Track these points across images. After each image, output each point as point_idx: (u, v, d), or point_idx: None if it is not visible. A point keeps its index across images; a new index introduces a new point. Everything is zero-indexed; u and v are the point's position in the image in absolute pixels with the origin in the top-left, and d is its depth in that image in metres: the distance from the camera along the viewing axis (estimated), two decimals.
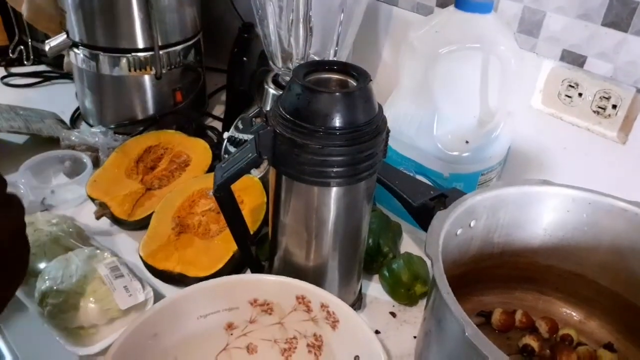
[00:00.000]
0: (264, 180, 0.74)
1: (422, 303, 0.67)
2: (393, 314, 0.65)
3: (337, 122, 0.45)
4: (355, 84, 0.47)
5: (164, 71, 0.88)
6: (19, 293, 0.63)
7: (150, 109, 0.91)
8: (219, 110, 1.07)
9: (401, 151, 0.71)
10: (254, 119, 0.47)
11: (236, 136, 0.78)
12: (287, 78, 0.72)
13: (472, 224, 0.57)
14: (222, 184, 0.50)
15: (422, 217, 0.58)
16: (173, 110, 0.92)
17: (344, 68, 0.48)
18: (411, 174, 0.70)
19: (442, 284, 0.45)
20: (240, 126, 0.78)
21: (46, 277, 0.59)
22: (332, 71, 0.48)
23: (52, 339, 0.58)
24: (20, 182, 0.78)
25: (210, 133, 0.97)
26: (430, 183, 0.69)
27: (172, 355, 0.52)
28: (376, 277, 0.69)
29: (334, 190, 0.49)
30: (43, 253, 0.64)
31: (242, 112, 0.81)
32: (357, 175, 0.48)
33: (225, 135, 0.81)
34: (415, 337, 0.63)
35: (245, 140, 0.77)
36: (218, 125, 0.99)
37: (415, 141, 0.68)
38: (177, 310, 0.51)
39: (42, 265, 0.64)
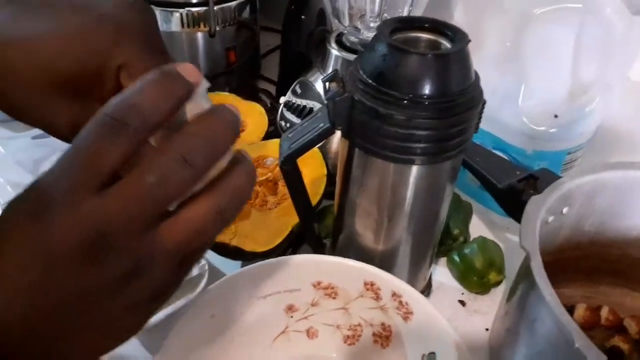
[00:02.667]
0: (323, 150, 0.68)
1: (495, 292, 0.61)
2: (462, 303, 0.60)
3: (428, 89, 0.39)
4: (449, 45, 0.40)
5: (217, 28, 0.82)
6: None
7: (203, 69, 0.86)
8: (271, 73, 1.01)
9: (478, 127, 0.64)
10: (327, 83, 0.41)
11: (293, 101, 0.73)
12: (353, 39, 0.66)
13: (564, 211, 0.51)
14: (289, 156, 0.45)
15: (508, 200, 0.52)
16: (226, 70, 0.87)
17: (436, 26, 0.41)
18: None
19: (543, 284, 0.39)
20: (299, 91, 0.73)
21: None
22: (421, 30, 0.42)
23: None
24: None
25: (263, 97, 0.92)
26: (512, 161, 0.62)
27: (229, 337, 0.48)
28: (444, 261, 0.64)
29: (416, 169, 0.43)
30: None
31: (298, 75, 0.75)
32: (444, 153, 0.42)
33: (282, 100, 0.75)
34: (487, 329, 0.57)
35: (304, 107, 0.71)
36: (271, 88, 0.94)
37: (497, 113, 0.61)
38: (235, 290, 0.47)
39: None
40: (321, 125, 0.43)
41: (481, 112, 0.42)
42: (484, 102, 0.42)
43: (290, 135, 0.46)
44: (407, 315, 0.47)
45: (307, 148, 0.44)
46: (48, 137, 0.32)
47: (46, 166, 0.24)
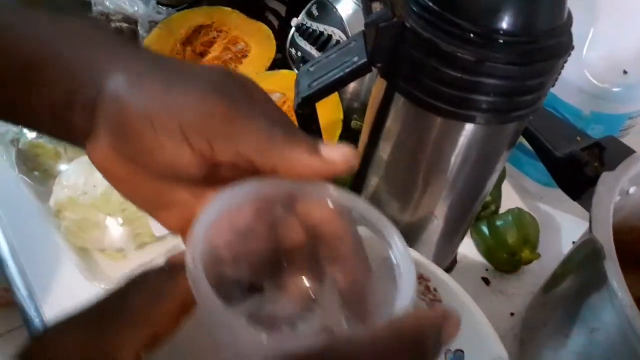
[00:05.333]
0: (340, 91, 0.58)
1: (524, 270, 0.53)
2: (486, 281, 0.52)
3: (507, 23, 0.28)
4: None
5: None
6: (31, 196, 0.51)
7: None
8: None
9: None
10: (370, 2, 0.31)
11: (308, 25, 0.61)
12: None
13: (631, 191, 0.42)
14: (309, 98, 0.35)
15: (566, 173, 0.43)
16: None
17: None
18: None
19: (621, 291, 0.31)
20: (315, 12, 0.61)
21: (64, 184, 0.47)
22: None
23: (68, 263, 0.47)
24: None
25: (270, 18, 0.79)
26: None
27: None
28: (468, 230, 0.55)
29: (472, 129, 0.33)
30: (63, 150, 0.51)
31: None
32: (513, 112, 0.32)
33: (294, 22, 0.63)
34: (513, 314, 0.50)
35: (321, 33, 0.60)
36: (281, 9, 0.81)
37: None
38: None
39: (61, 166, 0.51)
40: (355, 59, 0.33)
41: (564, 64, 0.32)
42: (572, 49, 0.32)
43: (311, 70, 0.36)
44: (432, 303, 0.39)
45: (332, 88, 0.34)
46: None
47: None
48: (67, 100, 0.23)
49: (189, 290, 0.20)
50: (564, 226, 0.58)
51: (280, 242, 0.25)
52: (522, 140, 0.59)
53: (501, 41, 0.29)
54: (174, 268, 0.22)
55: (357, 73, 0.33)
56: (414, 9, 0.30)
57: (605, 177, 0.37)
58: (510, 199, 0.58)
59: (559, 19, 0.30)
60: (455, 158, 0.36)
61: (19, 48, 0.23)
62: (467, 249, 0.54)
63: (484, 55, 0.29)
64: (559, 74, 0.33)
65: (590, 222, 0.34)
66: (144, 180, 0.23)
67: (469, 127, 0.33)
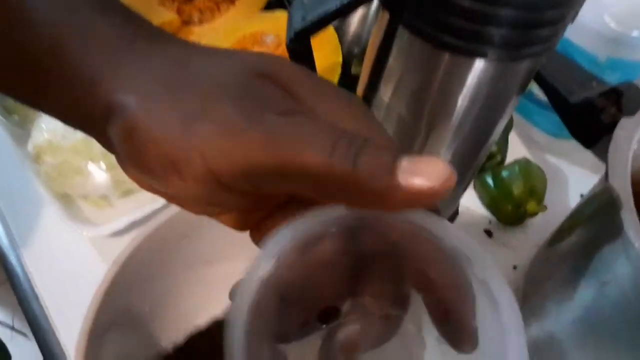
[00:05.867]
0: (339, 31, 0.54)
1: (528, 223, 0.51)
2: (488, 233, 0.50)
3: None
4: None
5: None
6: (11, 141, 0.48)
7: None
8: None
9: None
10: None
11: None
12: None
13: None
14: (302, 31, 0.31)
15: (580, 120, 0.40)
16: None
17: None
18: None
19: (636, 238, 0.29)
20: None
21: (44, 127, 0.44)
22: None
23: (49, 211, 0.45)
24: None
25: None
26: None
27: (206, 260, 0.38)
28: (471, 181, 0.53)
29: (482, 66, 0.30)
30: None
31: None
32: (529, 47, 0.29)
33: None
34: (516, 267, 0.48)
35: None
36: None
37: None
38: None
39: None
40: None
41: None
42: None
43: (305, 2, 0.32)
44: None
45: (328, 20, 0.31)
46: None
47: None
48: (77, 111, 0.20)
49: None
50: (572, 179, 0.55)
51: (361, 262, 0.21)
52: (531, 88, 0.56)
53: None
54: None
55: (354, 3, 0.30)
56: None
57: (624, 123, 0.34)
58: (516, 150, 0.56)
59: None
60: (462, 100, 0.32)
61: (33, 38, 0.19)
62: (470, 201, 0.52)
63: None
64: (579, 9, 0.30)
65: (607, 170, 0.32)
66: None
67: (478, 65, 0.30)
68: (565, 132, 0.55)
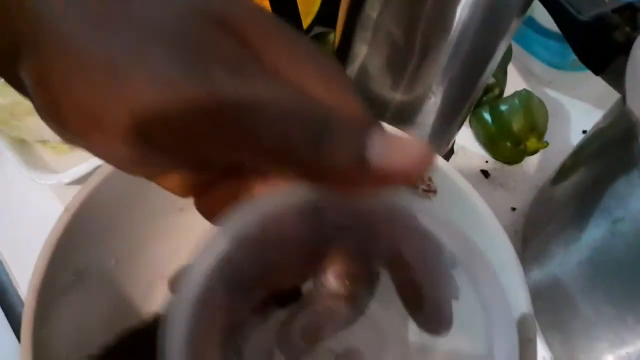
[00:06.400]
0: None
1: (527, 162, 0.48)
2: (485, 173, 0.47)
3: None
4: None
5: None
6: None
7: None
8: None
9: None
10: None
11: None
12: None
13: None
14: None
15: (591, 41, 0.35)
16: None
17: None
18: None
19: None
20: None
21: None
22: None
23: (5, 158, 0.40)
24: None
25: None
26: None
27: (178, 207, 0.35)
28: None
29: None
30: None
31: None
32: None
33: None
34: (514, 209, 0.45)
35: None
36: None
37: None
38: None
39: None
40: None
41: None
42: None
43: None
44: (427, 194, 0.33)
45: None
46: None
47: None
48: None
49: None
50: (574, 114, 0.52)
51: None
52: (531, 13, 0.51)
53: None
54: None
55: None
56: None
57: None
58: (515, 84, 0.51)
59: None
60: (460, 14, 0.28)
61: None
62: (465, 139, 0.48)
63: None
64: None
65: (625, 93, 0.28)
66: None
67: None
68: (567, 63, 0.51)
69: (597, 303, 0.33)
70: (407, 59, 0.32)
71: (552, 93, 0.52)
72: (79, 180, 0.40)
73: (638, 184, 0.28)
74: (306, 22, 0.46)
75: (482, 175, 0.47)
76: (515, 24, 0.32)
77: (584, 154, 0.37)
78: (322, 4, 0.47)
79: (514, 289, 0.27)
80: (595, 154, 0.35)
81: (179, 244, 0.36)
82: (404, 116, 0.36)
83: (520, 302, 0.26)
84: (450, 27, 0.29)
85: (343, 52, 0.35)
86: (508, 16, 0.30)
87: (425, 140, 0.38)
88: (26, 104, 0.39)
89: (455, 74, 0.33)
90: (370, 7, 0.31)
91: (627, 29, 0.35)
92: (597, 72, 0.36)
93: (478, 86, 0.35)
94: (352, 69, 0.35)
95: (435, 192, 0.33)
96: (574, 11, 0.36)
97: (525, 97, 0.44)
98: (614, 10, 0.36)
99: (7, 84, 0.35)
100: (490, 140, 0.46)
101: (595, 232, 0.31)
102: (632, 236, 0.29)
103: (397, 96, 0.34)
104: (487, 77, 0.35)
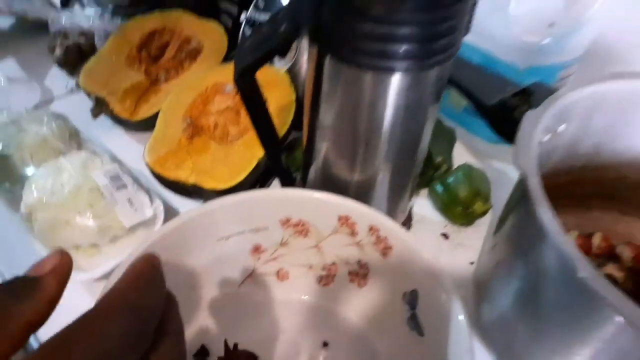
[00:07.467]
0: (291, 73, 0.61)
1: (480, 223, 0.56)
2: (445, 236, 0.55)
3: None
4: None
5: None
6: (3, 206, 0.53)
7: None
8: None
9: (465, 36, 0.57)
10: None
11: (256, 17, 0.64)
12: None
13: (560, 129, 0.45)
14: (246, 69, 0.37)
15: (499, 119, 0.46)
16: None
17: None
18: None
19: (542, 207, 0.34)
20: (261, 4, 0.64)
21: (33, 187, 0.49)
22: None
23: None
24: (2, 76, 0.66)
25: (225, 19, 0.82)
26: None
27: (188, 284, 0.42)
28: (425, 192, 0.59)
29: (397, 79, 0.36)
30: (29, 157, 0.53)
31: None
32: (431, 58, 0.35)
33: (243, 16, 0.66)
34: (472, 263, 0.53)
35: None
36: (234, 9, 0.84)
37: (485, 22, 0.54)
38: (192, 231, 0.40)
39: (28, 172, 0.53)
40: (282, 27, 0.35)
41: (473, 9, 0.35)
42: None
43: (246, 45, 0.39)
44: (385, 251, 0.41)
45: (266, 57, 0.37)
46: None
47: None
48: None
49: (38, 309, 0.21)
50: (514, 178, 0.61)
51: None
52: (469, 104, 0.62)
53: None
54: (24, 285, 0.22)
55: (286, 39, 0.36)
56: None
57: (529, 115, 0.40)
58: (463, 159, 0.61)
59: None
60: (388, 111, 0.38)
61: None
62: (426, 209, 0.57)
63: (393, 7, 0.32)
64: (471, 18, 0.36)
65: (514, 154, 0.37)
66: None
67: (394, 78, 0.36)
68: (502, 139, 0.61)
69: (533, 333, 0.39)
70: (356, 149, 0.41)
71: (495, 163, 0.62)
72: (105, 276, 0.48)
73: (535, 235, 0.36)
74: (283, 130, 0.56)
75: (443, 237, 0.55)
76: (432, 111, 0.42)
77: (510, 204, 0.45)
78: (295, 114, 0.59)
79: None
80: (511, 209, 0.43)
81: (183, 314, 0.43)
82: (363, 193, 0.45)
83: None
84: (381, 122, 0.39)
85: (309, 149, 0.45)
86: (425, 106, 0.40)
87: (384, 212, 0.47)
88: (63, 217, 0.48)
89: (395, 155, 0.42)
90: (323, 115, 0.41)
91: (525, 107, 0.46)
92: (509, 142, 0.46)
93: (416, 162, 0.45)
94: (318, 160, 0.45)
95: (391, 248, 0.41)
96: (484, 98, 0.47)
97: (466, 169, 0.54)
98: (514, 95, 0.46)
99: (47, 204, 0.45)
100: (445, 208, 0.55)
101: (520, 274, 0.39)
102: (546, 277, 0.36)
103: (355, 177, 0.44)
104: (422, 154, 0.45)
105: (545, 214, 0.33)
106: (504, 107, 0.45)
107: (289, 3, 0.35)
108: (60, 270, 0.23)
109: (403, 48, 0.33)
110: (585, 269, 0.30)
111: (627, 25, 0.62)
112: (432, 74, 0.37)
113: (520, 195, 0.39)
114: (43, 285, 0.22)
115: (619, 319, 0.30)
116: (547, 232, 0.33)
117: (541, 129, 0.40)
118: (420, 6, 0.32)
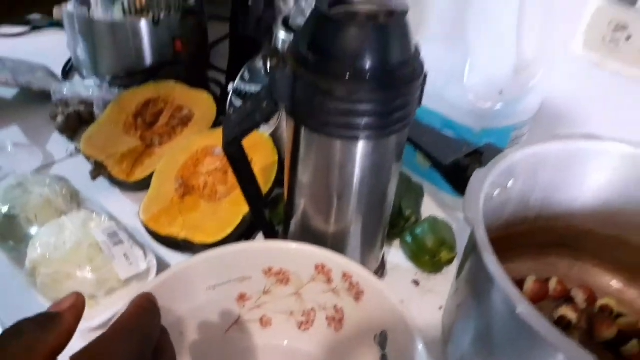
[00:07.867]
0: (274, 136, 0.67)
1: (448, 270, 0.61)
2: (416, 283, 0.60)
3: (368, 62, 0.38)
4: (387, 17, 0.40)
5: (161, 16, 0.80)
6: (8, 263, 0.57)
7: (148, 59, 0.83)
8: (222, 62, 0.99)
9: (425, 103, 0.64)
10: (268, 57, 0.40)
11: (242, 88, 0.71)
12: (300, 20, 0.65)
13: (509, 185, 0.51)
14: (233, 139, 0.44)
15: (455, 177, 0.52)
16: (173, 60, 0.84)
17: None
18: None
19: (487, 255, 0.39)
20: (247, 76, 0.71)
21: (37, 245, 0.54)
22: (360, 3, 0.41)
23: None
24: (8, 142, 0.72)
25: (213, 87, 0.90)
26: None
27: (178, 330, 0.46)
28: (397, 242, 0.64)
29: (362, 145, 0.42)
30: (34, 217, 0.58)
31: (248, 61, 0.73)
32: (388, 128, 0.41)
33: (230, 87, 0.74)
34: (441, 307, 0.57)
35: (253, 93, 0.69)
36: (222, 78, 0.92)
37: (443, 91, 0.61)
38: (182, 281, 0.45)
39: (32, 231, 0.58)
40: (263, 104, 0.42)
41: (423, 85, 0.42)
42: (426, 75, 0.42)
43: (233, 118, 0.45)
44: (358, 296, 0.46)
45: (250, 129, 0.43)
46: None
47: None
48: None
49: (59, 339, 0.25)
50: None
51: None
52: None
53: (366, 76, 0.38)
54: (48, 319, 0.26)
55: (267, 114, 0.42)
56: (300, 60, 0.40)
57: (477, 172, 0.46)
58: (433, 212, 0.67)
59: (408, 53, 0.40)
60: (356, 171, 0.44)
61: None
62: (398, 258, 0.62)
63: (353, 89, 0.38)
64: (422, 93, 0.43)
65: (464, 208, 0.43)
66: None
67: (359, 145, 0.42)
68: None
69: None
70: (330, 204, 0.47)
71: (459, 215, 0.68)
72: (102, 326, 0.52)
73: (484, 279, 0.41)
74: (267, 187, 0.62)
75: (414, 284, 0.60)
76: (395, 169, 0.47)
77: (464, 256, 0.50)
78: (277, 173, 0.64)
79: None
80: (467, 256, 0.48)
81: None
82: (339, 243, 0.51)
83: None
84: (352, 182, 0.45)
85: (290, 204, 0.51)
86: (388, 166, 0.46)
87: (357, 261, 0.52)
88: (65, 271, 0.52)
89: (365, 208, 0.48)
90: (301, 175, 0.47)
91: (477, 166, 0.52)
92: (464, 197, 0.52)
93: (384, 215, 0.51)
94: (298, 214, 0.51)
95: (363, 292, 0.46)
96: (441, 158, 0.53)
97: (432, 221, 0.60)
98: (466, 155, 0.53)
99: (50, 259, 0.50)
100: (414, 256, 0.60)
101: (476, 315, 0.44)
102: (497, 322, 0.41)
103: (331, 229, 0.49)
104: (389, 207, 0.50)
105: (490, 259, 0.39)
106: (458, 166, 0.51)
107: (269, 84, 0.42)
108: (76, 307, 0.27)
109: (364, 121, 0.40)
110: (522, 305, 0.36)
111: (569, 91, 0.70)
112: (391, 140, 0.43)
113: (472, 245, 0.45)
114: (63, 319, 0.27)
115: (560, 356, 0.34)
116: (492, 275, 0.38)
117: (489, 185, 0.46)
118: (376, 87, 0.38)
